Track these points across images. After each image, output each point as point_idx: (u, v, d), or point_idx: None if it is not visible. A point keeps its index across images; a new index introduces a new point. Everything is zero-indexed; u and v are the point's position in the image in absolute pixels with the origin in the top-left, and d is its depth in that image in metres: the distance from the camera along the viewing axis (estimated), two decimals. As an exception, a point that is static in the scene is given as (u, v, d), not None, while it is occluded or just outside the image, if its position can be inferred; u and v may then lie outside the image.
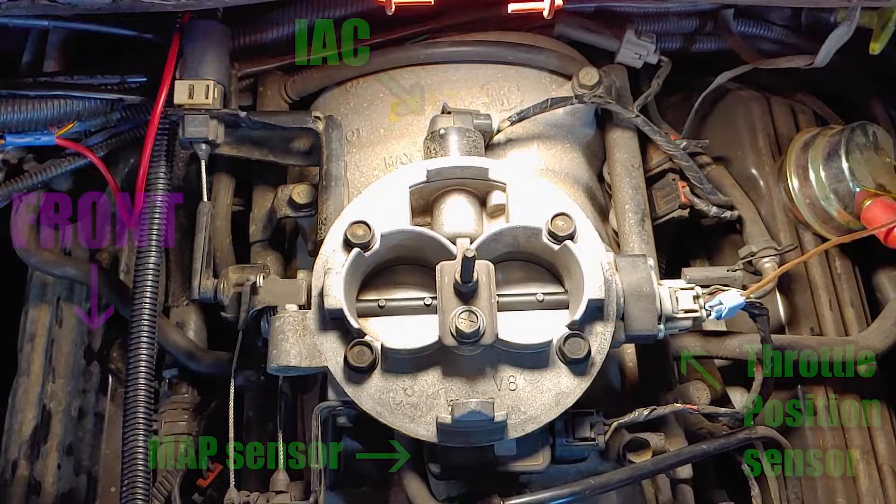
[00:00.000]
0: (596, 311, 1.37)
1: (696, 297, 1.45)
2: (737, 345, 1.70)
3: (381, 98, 1.75)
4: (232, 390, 1.57)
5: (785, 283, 1.86)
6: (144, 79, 1.72)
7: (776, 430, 1.60)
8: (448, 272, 1.36)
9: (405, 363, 1.36)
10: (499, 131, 1.66)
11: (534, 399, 1.36)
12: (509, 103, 1.73)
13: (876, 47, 1.83)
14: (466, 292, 1.34)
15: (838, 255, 1.92)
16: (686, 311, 1.44)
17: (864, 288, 1.93)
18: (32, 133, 1.72)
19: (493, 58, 1.77)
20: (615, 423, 1.45)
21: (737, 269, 1.61)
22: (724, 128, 1.99)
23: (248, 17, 1.81)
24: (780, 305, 1.86)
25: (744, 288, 1.50)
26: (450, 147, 1.52)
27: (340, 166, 1.63)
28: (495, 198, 1.47)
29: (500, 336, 1.33)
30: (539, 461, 1.41)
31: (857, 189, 1.79)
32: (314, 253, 1.51)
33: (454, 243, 1.40)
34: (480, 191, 1.49)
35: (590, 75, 1.73)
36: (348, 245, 1.39)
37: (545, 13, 1.52)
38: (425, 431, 1.35)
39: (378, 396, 1.35)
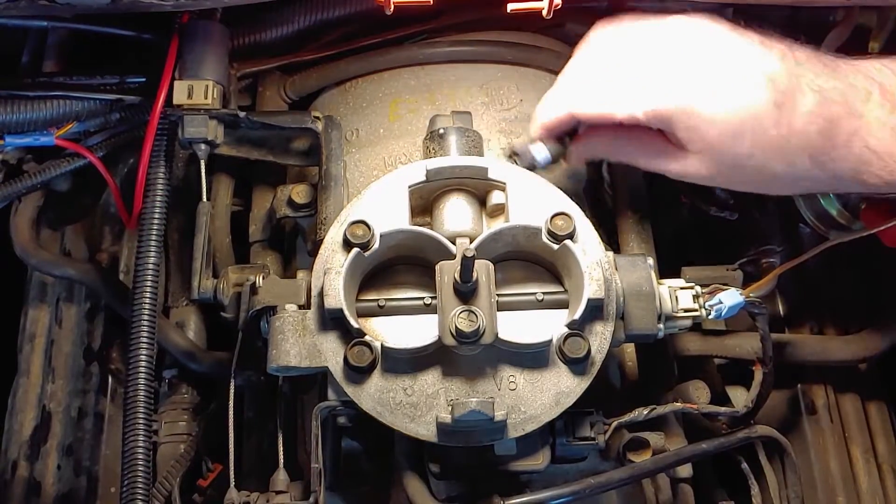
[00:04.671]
0: (596, 310, 1.37)
1: (696, 297, 1.45)
2: (737, 344, 1.70)
3: (381, 98, 1.75)
4: (232, 390, 1.57)
5: (785, 283, 1.86)
6: (144, 79, 1.72)
7: (776, 429, 1.60)
8: (448, 272, 1.36)
9: (405, 363, 1.36)
10: None
11: (534, 399, 1.36)
12: (509, 103, 1.73)
13: (875, 47, 1.83)
14: (466, 292, 1.34)
15: (838, 255, 1.92)
16: (686, 311, 1.44)
17: (864, 288, 1.94)
18: (32, 133, 1.71)
19: (492, 58, 1.77)
20: (615, 423, 1.45)
21: (737, 269, 1.61)
22: (723, 127, 1.98)
23: (248, 17, 1.81)
24: (780, 305, 1.86)
25: (744, 287, 1.50)
26: (449, 147, 1.52)
27: (340, 166, 1.63)
28: (495, 197, 1.47)
29: (499, 335, 1.33)
30: (539, 461, 1.41)
31: (857, 188, 1.79)
32: (314, 253, 1.51)
33: (454, 243, 1.40)
34: (480, 190, 1.49)
35: (589, 75, 1.72)
36: (348, 245, 1.39)
37: (544, 13, 1.52)
38: (425, 431, 1.35)
39: (378, 396, 1.35)
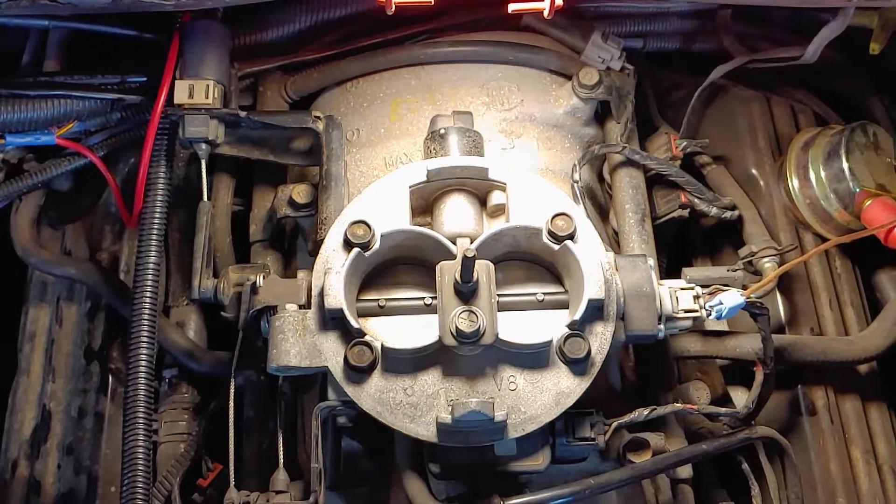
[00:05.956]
0: (596, 311, 1.37)
1: (697, 297, 1.45)
2: (737, 344, 1.70)
3: (381, 98, 1.75)
4: (232, 390, 1.57)
5: (785, 283, 1.86)
6: (144, 78, 1.72)
7: (776, 430, 1.60)
8: (448, 272, 1.36)
9: (405, 363, 1.36)
10: None
11: (534, 399, 1.36)
12: (509, 103, 1.73)
13: (876, 47, 1.83)
14: (466, 292, 1.34)
15: (838, 255, 1.92)
16: (686, 311, 1.44)
17: (864, 288, 1.93)
18: (32, 133, 1.72)
19: (493, 58, 1.77)
20: (615, 423, 1.45)
21: (737, 269, 1.61)
22: (724, 127, 1.99)
23: (248, 16, 1.81)
24: (780, 305, 1.86)
25: (744, 288, 1.50)
26: (450, 147, 1.52)
27: (340, 166, 1.63)
28: (495, 197, 1.47)
29: (500, 336, 1.33)
30: (539, 461, 1.41)
31: (857, 189, 1.79)
32: (314, 253, 1.51)
33: (454, 243, 1.40)
34: (481, 190, 1.49)
35: (590, 75, 1.73)
36: (348, 245, 1.39)
37: (545, 13, 1.52)
38: (425, 431, 1.35)
39: (378, 396, 1.35)
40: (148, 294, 1.55)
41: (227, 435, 1.55)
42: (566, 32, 1.85)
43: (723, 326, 1.81)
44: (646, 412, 1.47)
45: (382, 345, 1.35)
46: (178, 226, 1.96)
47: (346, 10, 1.82)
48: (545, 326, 1.39)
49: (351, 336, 1.36)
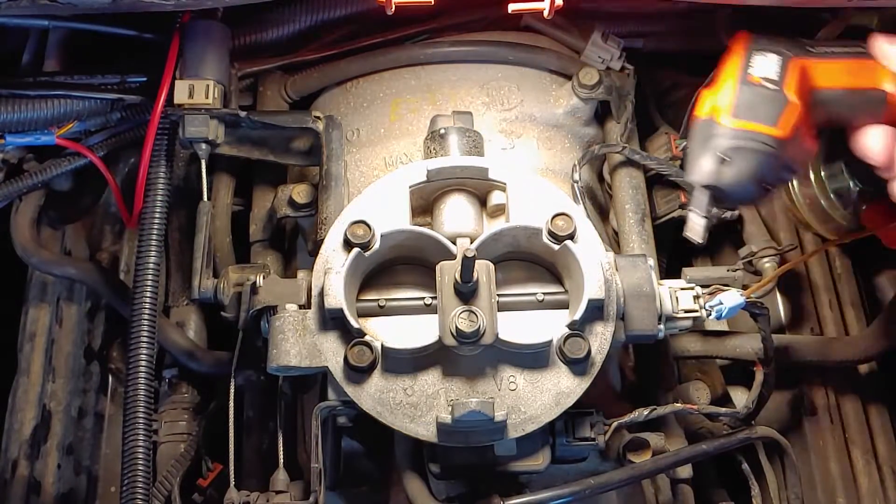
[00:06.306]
0: (596, 310, 1.37)
1: (697, 297, 1.45)
2: (737, 344, 1.70)
3: (381, 98, 1.75)
4: (232, 390, 1.57)
5: (785, 283, 1.86)
6: (144, 78, 1.72)
7: (776, 430, 1.60)
8: (448, 272, 1.36)
9: (405, 363, 1.36)
10: None
11: (534, 399, 1.36)
12: (509, 103, 1.73)
13: (876, 47, 1.83)
14: (466, 292, 1.34)
15: (838, 255, 1.92)
16: (686, 311, 1.44)
17: (864, 288, 1.94)
18: (32, 133, 1.71)
19: (493, 58, 1.77)
20: (615, 423, 1.45)
21: (737, 269, 1.61)
22: (724, 128, 1.99)
23: (249, 16, 1.81)
24: (780, 305, 1.86)
25: (744, 288, 1.50)
26: (450, 147, 1.52)
27: (340, 166, 1.63)
28: (495, 197, 1.47)
29: (500, 336, 1.33)
30: (539, 461, 1.41)
31: (858, 189, 1.79)
32: (314, 253, 1.51)
33: (454, 243, 1.40)
34: (481, 190, 1.49)
35: (590, 75, 1.73)
36: (348, 245, 1.39)
37: (545, 13, 1.52)
38: (425, 431, 1.35)
39: (378, 396, 1.35)
40: (148, 294, 1.55)
41: (227, 435, 1.55)
42: (566, 32, 1.85)
43: (723, 326, 1.81)
44: (646, 412, 1.47)
45: (382, 345, 1.35)
46: (178, 226, 1.96)
47: (346, 10, 1.82)
48: (545, 326, 1.39)
49: (351, 336, 1.36)
